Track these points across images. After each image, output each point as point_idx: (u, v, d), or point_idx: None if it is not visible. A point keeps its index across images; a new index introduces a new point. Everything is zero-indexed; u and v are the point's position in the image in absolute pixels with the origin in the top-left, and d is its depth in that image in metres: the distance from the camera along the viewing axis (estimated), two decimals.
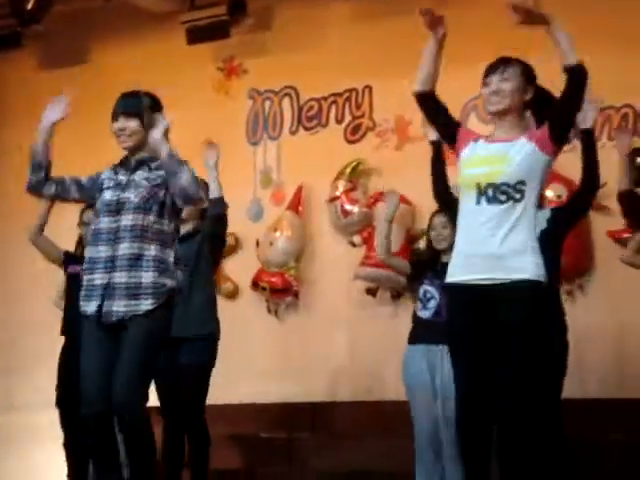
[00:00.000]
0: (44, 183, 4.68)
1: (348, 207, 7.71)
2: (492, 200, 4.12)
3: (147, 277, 4.47)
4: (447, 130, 4.44)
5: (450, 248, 5.55)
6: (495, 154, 4.20)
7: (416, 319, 5.67)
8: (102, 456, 4.55)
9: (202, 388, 5.72)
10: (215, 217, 5.82)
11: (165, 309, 4.52)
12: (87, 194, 4.72)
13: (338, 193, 7.77)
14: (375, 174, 7.76)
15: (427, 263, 5.71)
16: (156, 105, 4.67)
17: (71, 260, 6.35)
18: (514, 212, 4.12)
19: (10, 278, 8.75)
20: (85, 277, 4.58)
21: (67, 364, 6.04)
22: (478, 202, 4.16)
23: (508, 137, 4.23)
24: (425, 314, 5.60)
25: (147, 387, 4.53)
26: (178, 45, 8.19)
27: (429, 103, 4.42)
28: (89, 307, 4.51)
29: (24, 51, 8.73)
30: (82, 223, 6.31)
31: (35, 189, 4.70)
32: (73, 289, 6.09)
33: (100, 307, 4.47)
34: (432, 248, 5.71)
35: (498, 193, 4.12)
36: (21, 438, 8.20)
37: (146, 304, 4.46)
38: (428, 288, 5.60)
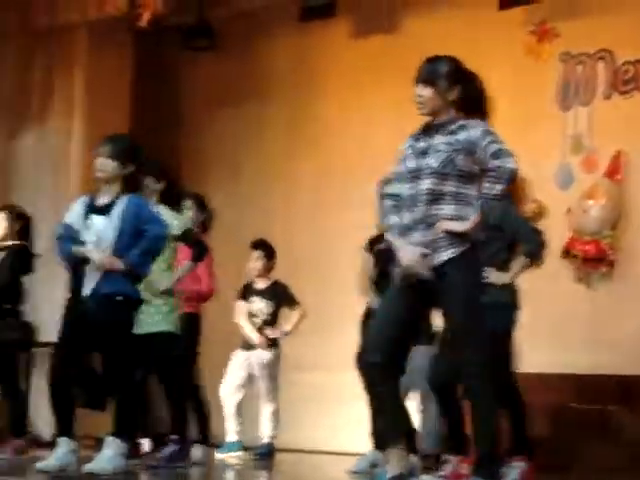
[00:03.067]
0: None
1: None
2: None
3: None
4: None
5: None
6: None
7: None
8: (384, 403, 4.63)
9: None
10: None
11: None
12: None
13: None
14: None
15: None
16: (456, 72, 4.66)
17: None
18: None
19: (324, 240, 9.00)
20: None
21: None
22: None
23: None
24: None
25: None
26: (489, 10, 8.18)
27: None
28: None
29: (338, 21, 8.96)
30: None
31: None
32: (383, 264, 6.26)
33: None
34: None
35: None
36: (327, 397, 8.48)
37: (444, 255, 4.51)
38: None
